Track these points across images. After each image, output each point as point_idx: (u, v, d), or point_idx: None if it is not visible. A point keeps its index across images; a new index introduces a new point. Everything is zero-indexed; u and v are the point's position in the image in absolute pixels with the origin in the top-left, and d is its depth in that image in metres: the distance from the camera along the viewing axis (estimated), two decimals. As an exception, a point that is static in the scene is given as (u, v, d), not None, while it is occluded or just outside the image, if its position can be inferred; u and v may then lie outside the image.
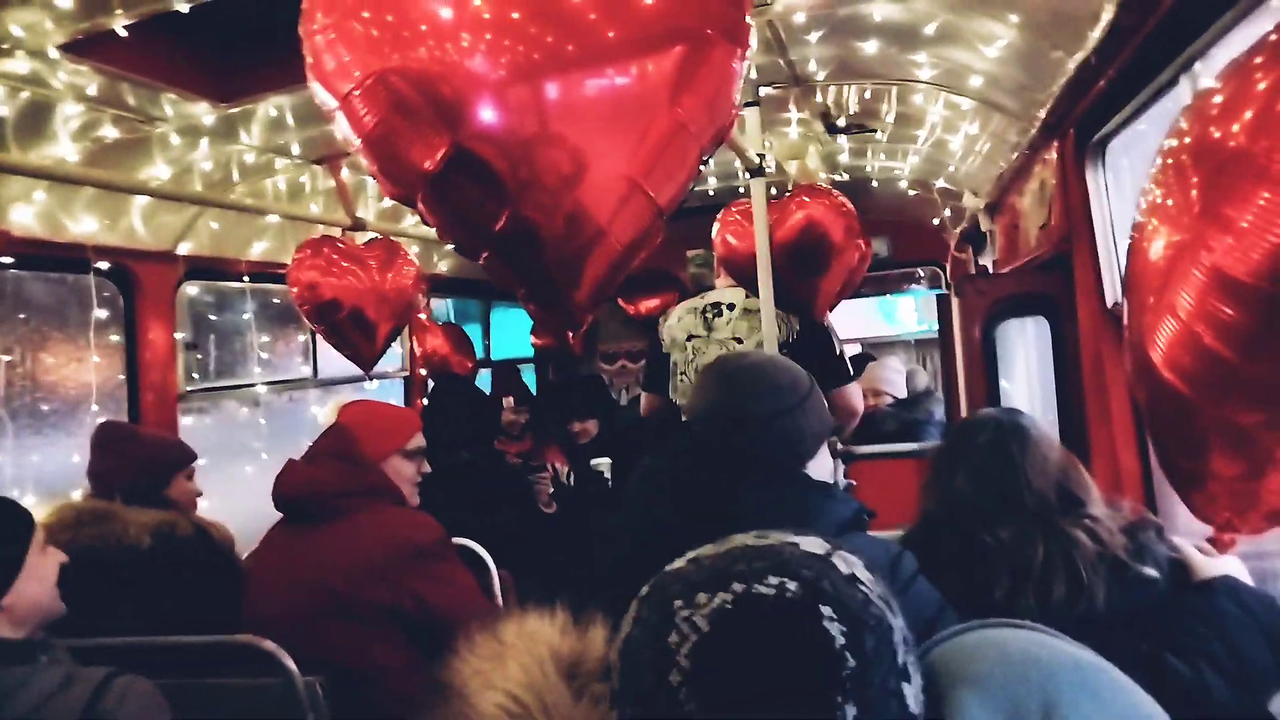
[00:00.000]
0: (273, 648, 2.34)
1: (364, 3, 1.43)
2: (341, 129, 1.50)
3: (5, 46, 2.62)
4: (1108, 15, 2.30)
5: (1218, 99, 1.19)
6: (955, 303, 3.80)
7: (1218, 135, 1.14)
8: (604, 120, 1.46)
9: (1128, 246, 1.38)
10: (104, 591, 2.48)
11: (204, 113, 3.39)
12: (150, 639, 2.42)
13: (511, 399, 5.47)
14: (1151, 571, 1.85)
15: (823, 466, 1.93)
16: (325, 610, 2.50)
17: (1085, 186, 3.10)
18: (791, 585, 0.83)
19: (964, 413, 5.14)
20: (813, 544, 0.90)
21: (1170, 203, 1.20)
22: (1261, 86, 1.11)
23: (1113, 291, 3.09)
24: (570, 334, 1.69)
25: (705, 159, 1.59)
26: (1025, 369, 4.64)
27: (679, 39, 1.46)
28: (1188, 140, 1.22)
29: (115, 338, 4.06)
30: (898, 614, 0.88)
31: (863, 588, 0.87)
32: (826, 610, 0.82)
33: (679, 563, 0.92)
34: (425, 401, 4.63)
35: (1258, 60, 1.16)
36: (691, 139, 1.51)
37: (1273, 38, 1.17)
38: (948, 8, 2.79)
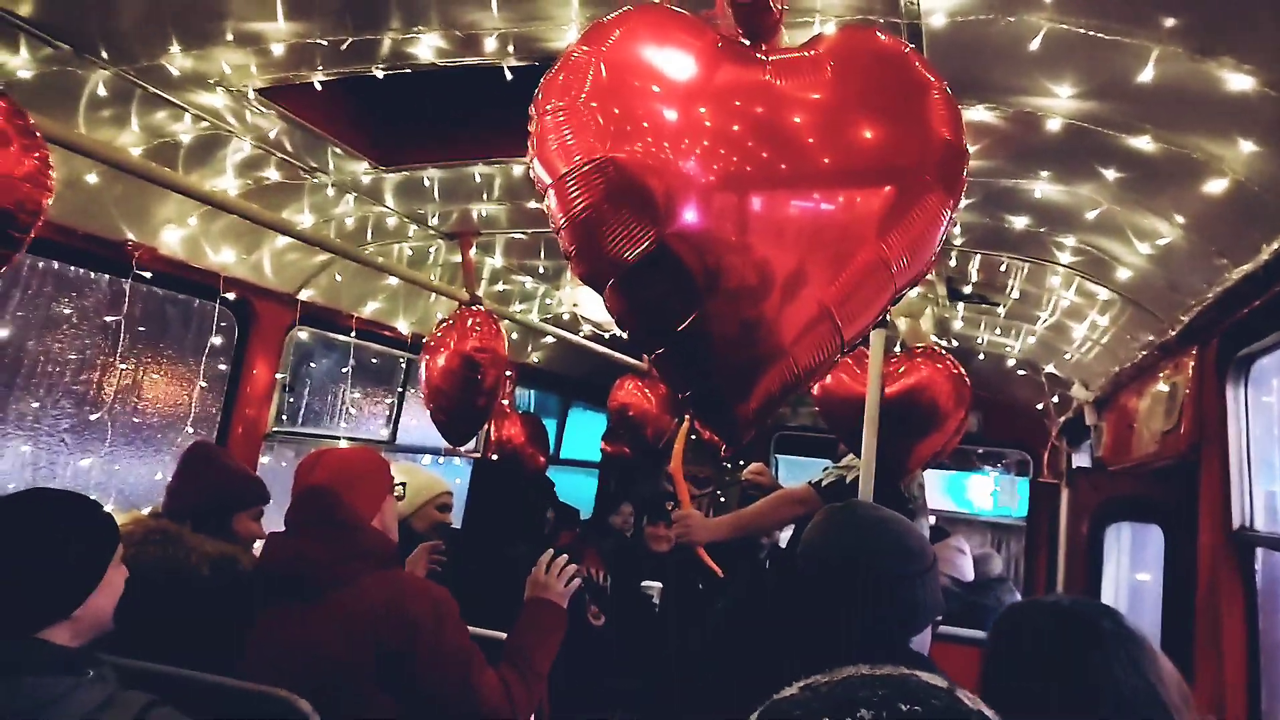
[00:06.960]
0: (307, 708, 2.24)
1: (595, 93, 1.47)
2: (549, 207, 1.52)
3: (211, 81, 2.77)
4: (1291, 231, 2.26)
5: None
6: (1065, 494, 3.66)
7: None
8: (809, 241, 1.45)
9: None
10: (156, 614, 2.43)
11: (363, 171, 3.53)
12: (194, 673, 2.34)
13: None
14: None
15: (924, 646, 1.85)
16: (338, 685, 2.32)
17: (1224, 400, 2.98)
18: (922, 712, 0.76)
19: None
20: (932, 678, 0.84)
21: None
22: None
23: (1240, 513, 2.93)
24: (723, 449, 1.63)
25: (896, 299, 1.57)
26: (1115, 571, 4.42)
27: (896, 178, 1.46)
28: None
29: (223, 367, 4.14)
30: None
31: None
32: None
33: (790, 690, 0.85)
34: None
35: None
36: (890, 277, 1.49)
37: None
38: (1113, 198, 2.77)
